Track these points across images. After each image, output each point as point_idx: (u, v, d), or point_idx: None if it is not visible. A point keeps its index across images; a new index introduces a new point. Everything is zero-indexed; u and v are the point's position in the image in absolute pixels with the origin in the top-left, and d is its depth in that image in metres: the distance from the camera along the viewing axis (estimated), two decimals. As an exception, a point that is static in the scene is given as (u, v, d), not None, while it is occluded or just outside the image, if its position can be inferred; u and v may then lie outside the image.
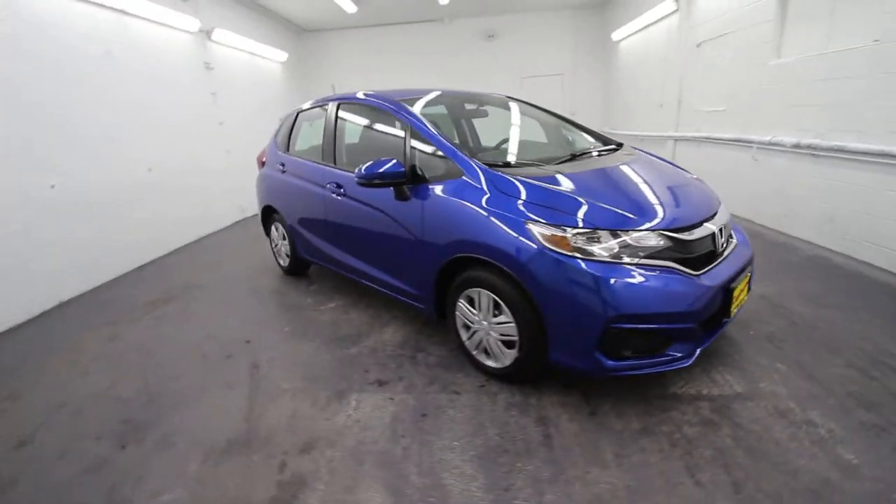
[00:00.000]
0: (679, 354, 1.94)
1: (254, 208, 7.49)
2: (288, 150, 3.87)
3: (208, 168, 6.20)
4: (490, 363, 2.32)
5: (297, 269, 4.09)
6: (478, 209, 2.15)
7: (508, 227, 2.02)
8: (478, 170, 2.25)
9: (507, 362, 2.22)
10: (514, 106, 3.42)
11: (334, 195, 3.11)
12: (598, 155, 2.71)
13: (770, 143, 4.45)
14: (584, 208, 1.99)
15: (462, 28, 9.63)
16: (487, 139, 3.39)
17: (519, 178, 2.18)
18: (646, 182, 2.32)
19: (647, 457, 1.78)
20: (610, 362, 1.89)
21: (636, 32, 7.74)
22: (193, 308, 3.63)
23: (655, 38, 7.06)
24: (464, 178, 2.27)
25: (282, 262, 4.22)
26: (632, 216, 1.97)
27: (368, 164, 2.49)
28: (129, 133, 4.76)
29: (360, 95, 3.17)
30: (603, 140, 3.09)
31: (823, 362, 2.31)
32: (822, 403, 2.01)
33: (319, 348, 2.82)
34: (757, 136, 4.64)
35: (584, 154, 2.70)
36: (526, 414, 2.07)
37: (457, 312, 2.41)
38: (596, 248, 1.88)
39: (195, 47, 6.01)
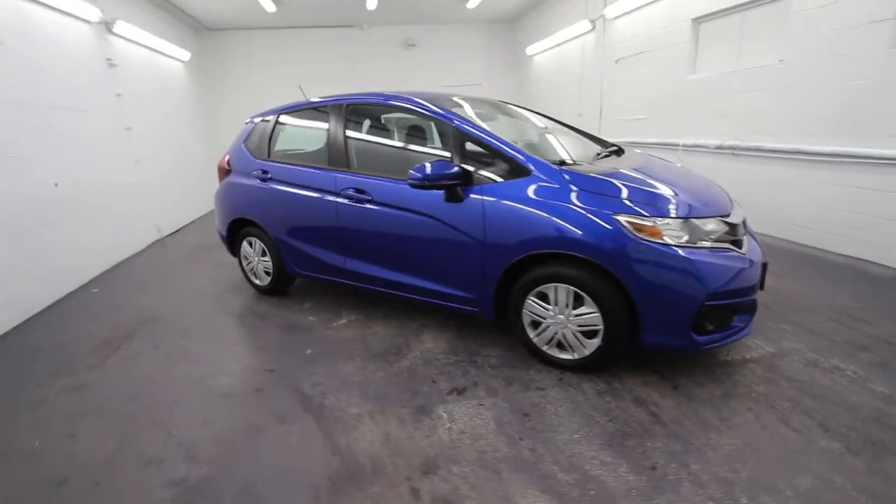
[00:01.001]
0: (741, 325, 2.21)
1: (173, 226, 6.59)
2: (269, 155, 3.49)
3: (118, 182, 5.26)
4: (565, 356, 2.38)
5: (280, 287, 3.69)
6: (560, 205, 2.20)
7: (598, 221, 2.10)
8: (552, 169, 2.30)
9: (587, 352, 2.30)
10: (507, 109, 3.54)
11: (351, 202, 2.90)
12: (618, 156, 2.95)
13: (694, 146, 5.23)
14: (659, 200, 2.16)
15: (382, 35, 9.56)
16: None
17: (590, 174, 2.29)
18: (679, 176, 2.60)
19: (744, 416, 2.00)
20: (700, 338, 2.09)
21: (551, 48, 8.45)
22: (169, 343, 3.06)
23: (571, 54, 7.79)
24: (535, 176, 2.31)
25: (258, 282, 3.77)
26: (697, 205, 2.21)
27: (421, 165, 2.40)
28: (29, 140, 3.84)
29: (379, 97, 3.04)
30: (599, 142, 3.35)
31: (812, 320, 2.80)
32: (834, 351, 2.45)
33: (365, 367, 2.60)
34: (681, 140, 5.41)
35: (606, 155, 2.91)
36: (621, 398, 2.17)
37: (524, 310, 2.42)
38: (681, 235, 2.06)
39: (96, 41, 5.08)
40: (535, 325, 2.42)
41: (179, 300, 3.84)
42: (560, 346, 2.38)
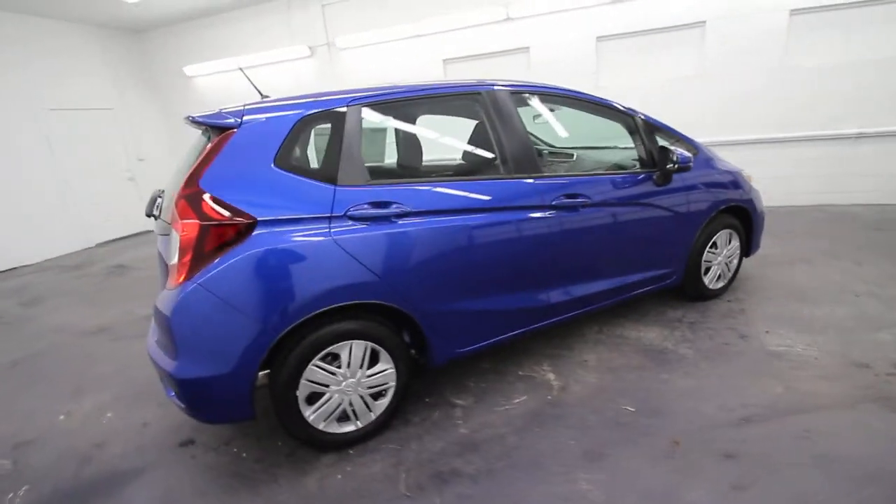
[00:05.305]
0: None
1: None
2: (369, 177, 1.91)
3: None
4: (721, 284, 3.15)
5: (396, 411, 2.12)
6: (726, 172, 2.95)
7: (743, 179, 3.04)
8: (704, 147, 2.95)
9: (730, 275, 3.19)
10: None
11: (565, 212, 2.30)
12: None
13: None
14: (726, 162, 3.33)
15: None
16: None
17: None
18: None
19: (818, 268, 3.53)
20: (758, 243, 3.46)
21: (234, 70, 7.26)
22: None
23: (276, 77, 7.11)
24: (702, 154, 2.89)
25: (352, 427, 1.99)
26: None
27: (681, 153, 2.54)
28: None
29: (547, 88, 2.55)
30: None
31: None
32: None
33: (692, 370, 2.33)
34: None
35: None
36: (782, 302, 3.22)
37: (702, 261, 2.97)
38: (748, 180, 3.33)
39: None
40: (706, 270, 3.05)
41: None
42: (719, 277, 3.14)
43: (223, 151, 1.74)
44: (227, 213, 1.66)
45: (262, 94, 2.31)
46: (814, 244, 4.05)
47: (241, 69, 2.71)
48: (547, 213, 2.24)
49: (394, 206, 1.90)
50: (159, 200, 2.08)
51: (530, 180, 2.24)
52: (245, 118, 1.80)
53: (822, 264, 3.60)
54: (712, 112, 5.38)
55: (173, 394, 1.82)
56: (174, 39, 7.57)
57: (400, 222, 1.90)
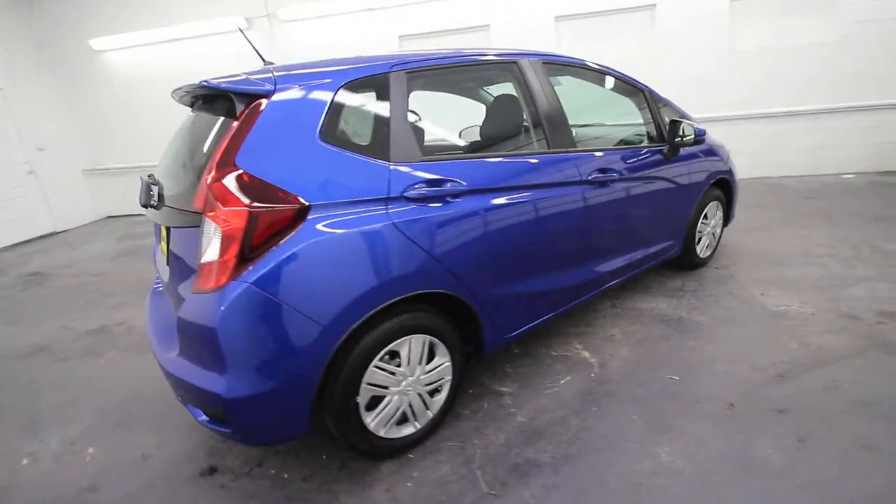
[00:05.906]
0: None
1: None
2: (421, 152, 1.72)
3: None
4: (709, 252, 3.34)
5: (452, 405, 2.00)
6: (713, 145, 3.09)
7: (724, 152, 3.21)
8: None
9: (715, 245, 3.39)
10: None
11: (597, 187, 2.27)
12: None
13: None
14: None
15: None
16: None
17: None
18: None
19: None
20: (730, 208, 3.71)
21: (158, 43, 6.37)
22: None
23: (210, 51, 6.34)
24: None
25: (411, 429, 1.83)
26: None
27: (697, 126, 2.60)
28: None
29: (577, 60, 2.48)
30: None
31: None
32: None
33: (708, 336, 2.42)
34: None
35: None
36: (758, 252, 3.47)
37: (696, 232, 3.12)
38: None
39: None
40: (698, 240, 3.20)
41: None
42: (707, 246, 3.31)
43: (259, 124, 1.45)
44: (277, 198, 1.39)
45: (264, 61, 1.98)
46: (764, 213, 4.45)
47: (240, 30, 2.31)
48: (585, 188, 2.20)
49: (449, 184, 1.74)
50: (155, 188, 1.72)
51: (571, 154, 2.18)
52: (279, 85, 1.52)
53: (779, 231, 3.96)
54: (663, 93, 5.66)
55: (205, 417, 1.54)
56: (77, 7, 6.44)
57: (457, 201, 1.74)
